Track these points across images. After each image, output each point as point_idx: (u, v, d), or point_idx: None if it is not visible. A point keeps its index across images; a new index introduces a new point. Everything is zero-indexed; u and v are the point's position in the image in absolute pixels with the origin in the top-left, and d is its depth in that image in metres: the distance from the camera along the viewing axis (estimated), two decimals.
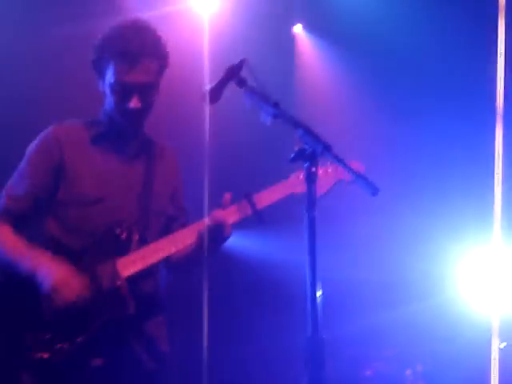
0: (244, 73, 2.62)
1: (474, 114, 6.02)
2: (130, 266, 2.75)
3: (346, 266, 6.67)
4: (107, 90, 2.84)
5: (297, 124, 2.34)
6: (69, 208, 2.81)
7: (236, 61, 2.65)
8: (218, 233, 2.78)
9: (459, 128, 6.12)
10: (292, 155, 2.24)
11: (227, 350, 6.12)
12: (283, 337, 6.02)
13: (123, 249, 2.78)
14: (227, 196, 2.81)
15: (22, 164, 2.89)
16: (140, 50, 2.77)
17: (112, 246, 2.78)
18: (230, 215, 2.79)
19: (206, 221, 2.78)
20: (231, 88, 2.61)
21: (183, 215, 3.05)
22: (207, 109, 2.91)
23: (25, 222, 2.85)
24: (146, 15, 3.00)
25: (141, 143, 2.99)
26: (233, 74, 2.63)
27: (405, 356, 6.52)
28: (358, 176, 2.28)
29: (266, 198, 2.84)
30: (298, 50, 6.99)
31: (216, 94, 2.73)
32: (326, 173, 2.86)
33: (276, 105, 2.47)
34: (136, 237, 2.80)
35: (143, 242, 2.83)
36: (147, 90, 2.83)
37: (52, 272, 2.67)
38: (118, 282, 2.71)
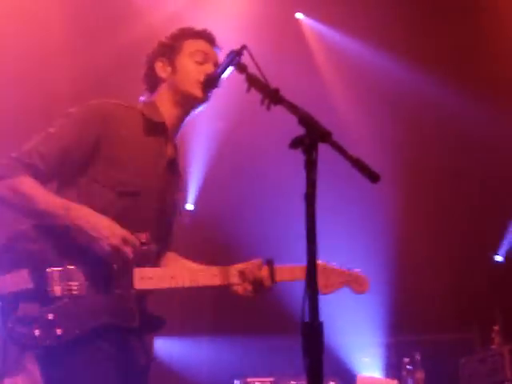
0: (244, 59, 2.63)
1: None
2: (145, 280, 2.66)
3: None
4: (185, 62, 2.89)
5: (296, 110, 2.34)
6: (100, 189, 2.69)
7: (236, 47, 2.66)
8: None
9: None
10: (292, 141, 2.20)
11: None
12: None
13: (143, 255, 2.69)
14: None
15: (60, 124, 2.76)
16: (212, 36, 3.00)
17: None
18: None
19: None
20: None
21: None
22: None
23: (45, 183, 2.69)
24: None
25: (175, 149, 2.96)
26: (233, 60, 2.63)
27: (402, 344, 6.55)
28: (357, 163, 2.26)
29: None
30: (302, 34, 7.03)
31: (215, 79, 2.78)
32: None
33: (276, 91, 2.47)
34: (154, 247, 2.72)
35: (159, 253, 2.80)
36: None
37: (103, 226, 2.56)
38: (131, 291, 2.63)
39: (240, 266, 2.78)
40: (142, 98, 2.99)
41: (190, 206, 7.49)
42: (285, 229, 6.35)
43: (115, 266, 2.59)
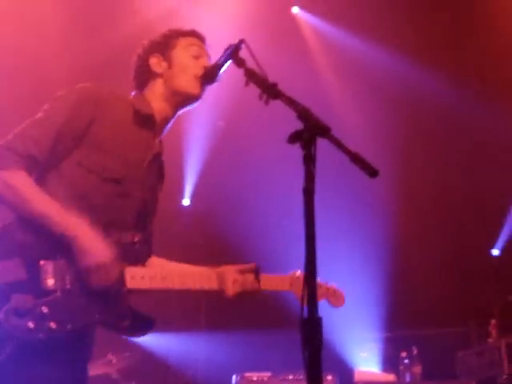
0: (243, 53, 2.62)
1: None
2: (137, 279, 2.66)
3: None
4: (181, 56, 2.88)
5: (295, 105, 2.33)
6: (84, 173, 2.64)
7: (234, 41, 2.65)
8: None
9: None
10: (290, 136, 2.19)
11: None
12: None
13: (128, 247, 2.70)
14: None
15: (51, 107, 2.68)
16: (202, 35, 3.00)
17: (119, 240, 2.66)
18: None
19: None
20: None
21: None
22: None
23: (39, 171, 2.61)
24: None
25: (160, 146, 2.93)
26: (231, 54, 2.62)
27: (399, 338, 6.56)
28: (356, 158, 2.24)
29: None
30: (299, 28, 7.03)
31: (213, 73, 2.76)
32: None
33: (274, 85, 2.45)
34: (137, 238, 2.74)
35: (143, 244, 2.79)
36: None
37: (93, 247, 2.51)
38: (123, 289, 2.61)
39: (234, 272, 2.82)
40: (131, 93, 2.95)
41: (186, 202, 7.50)
42: (283, 224, 6.34)
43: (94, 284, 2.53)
